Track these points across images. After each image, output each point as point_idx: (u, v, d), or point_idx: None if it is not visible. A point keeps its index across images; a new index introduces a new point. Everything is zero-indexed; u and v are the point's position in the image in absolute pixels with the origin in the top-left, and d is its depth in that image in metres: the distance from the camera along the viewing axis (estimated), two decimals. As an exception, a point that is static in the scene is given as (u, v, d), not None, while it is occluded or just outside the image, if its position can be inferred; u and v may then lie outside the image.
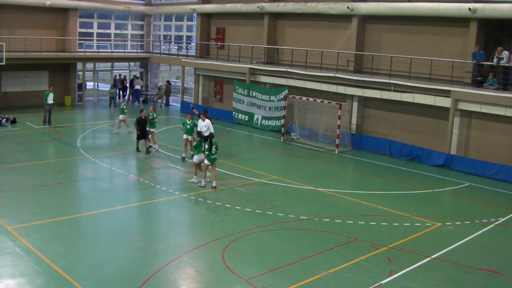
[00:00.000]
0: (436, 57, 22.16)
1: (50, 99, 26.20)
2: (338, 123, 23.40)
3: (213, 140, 16.99)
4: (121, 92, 36.46)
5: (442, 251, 12.70)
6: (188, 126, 20.11)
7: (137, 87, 35.87)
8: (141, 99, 36.39)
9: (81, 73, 34.42)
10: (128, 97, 36.39)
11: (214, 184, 17.23)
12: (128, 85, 36.75)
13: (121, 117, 25.19)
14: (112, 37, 36.91)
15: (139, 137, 21.44)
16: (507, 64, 20.00)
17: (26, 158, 19.75)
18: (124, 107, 25.37)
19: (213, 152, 16.87)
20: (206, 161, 17.06)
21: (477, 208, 16.64)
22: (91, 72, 37.04)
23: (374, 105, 24.73)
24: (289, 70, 27.09)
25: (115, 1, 35.98)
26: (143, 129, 21.23)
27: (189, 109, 32.10)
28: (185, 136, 20.45)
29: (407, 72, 22.57)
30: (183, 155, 20.59)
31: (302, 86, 26.51)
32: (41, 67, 32.44)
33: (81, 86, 35.36)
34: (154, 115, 21.85)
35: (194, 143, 18.13)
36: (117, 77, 36.59)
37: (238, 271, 11.06)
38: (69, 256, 11.59)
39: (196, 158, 17.41)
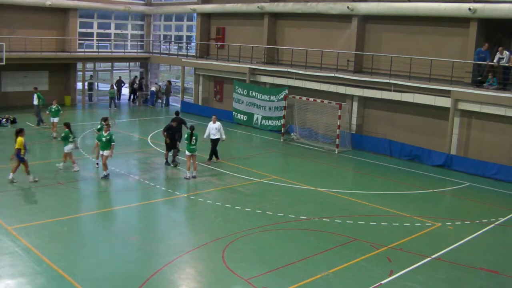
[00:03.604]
0: (436, 57, 22.17)
1: (35, 100, 25.65)
2: (338, 123, 23.40)
3: (194, 132, 17.85)
4: (131, 95, 36.36)
5: (442, 251, 12.70)
6: (104, 139, 17.39)
7: (153, 89, 35.44)
8: (141, 99, 36.35)
9: (81, 73, 34.44)
10: (135, 98, 36.22)
11: (194, 174, 18.01)
12: (136, 86, 36.58)
13: (56, 119, 23.21)
14: (112, 37, 36.93)
15: (169, 147, 19.54)
16: (507, 64, 20.01)
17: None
18: (58, 108, 23.47)
19: (192, 143, 17.68)
20: (187, 152, 17.82)
21: (477, 208, 16.64)
22: (91, 72, 37.06)
23: (374, 105, 24.73)
24: (289, 70, 27.09)
25: (115, 1, 35.99)
26: (172, 138, 19.42)
27: (189, 110, 32.24)
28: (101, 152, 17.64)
29: (407, 72, 22.57)
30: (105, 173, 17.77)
31: (302, 86, 26.52)
32: (41, 67, 32.46)
33: (90, 86, 35.78)
34: (99, 126, 19.14)
35: (63, 134, 17.97)
36: (133, 78, 36.60)
37: (238, 271, 11.06)
38: (69, 256, 11.58)
39: (66, 149, 17.95)
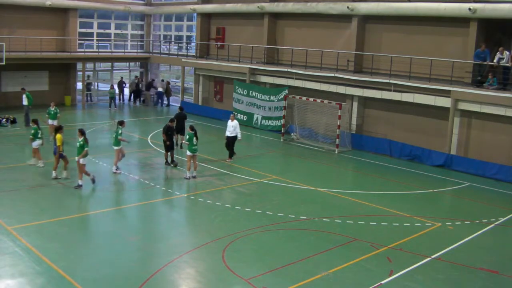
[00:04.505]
0: (436, 57, 22.17)
1: (24, 101, 25.53)
2: (338, 123, 23.40)
3: (196, 133, 18.03)
4: (131, 95, 36.33)
5: (442, 251, 12.70)
6: (77, 144, 16.52)
7: (160, 89, 35.23)
8: (141, 99, 36.33)
9: (81, 73, 34.43)
10: (138, 98, 36.17)
11: (194, 174, 18.03)
12: (141, 87, 36.61)
13: (54, 122, 22.15)
14: (112, 37, 36.93)
15: (168, 148, 19.48)
16: (507, 64, 20.02)
17: (26, 158, 19.71)
18: (57, 111, 22.67)
19: (194, 143, 17.74)
20: (188, 152, 17.80)
21: (477, 208, 16.64)
22: (89, 72, 37.05)
23: (374, 105, 24.73)
24: (289, 70, 27.10)
25: (115, 1, 35.99)
26: (171, 139, 19.48)
27: (189, 110, 32.20)
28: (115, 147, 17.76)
29: (407, 72, 22.58)
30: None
31: (302, 86, 26.52)
32: (41, 67, 32.45)
33: (87, 86, 35.66)
34: (120, 131, 18.21)
35: (32, 131, 18.23)
36: (135, 80, 36.51)
37: (238, 271, 11.06)
38: (69, 256, 11.58)
39: (34, 144, 18.35)
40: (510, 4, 19.74)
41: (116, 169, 18.32)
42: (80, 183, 16.33)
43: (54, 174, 17.10)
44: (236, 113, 29.57)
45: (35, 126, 18.46)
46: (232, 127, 20.73)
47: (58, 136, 16.87)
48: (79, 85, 34.95)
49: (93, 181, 16.63)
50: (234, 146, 21.01)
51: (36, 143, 18.34)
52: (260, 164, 20.91)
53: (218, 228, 13.64)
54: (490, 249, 13.36)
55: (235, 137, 20.82)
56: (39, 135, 18.36)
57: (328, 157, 22.74)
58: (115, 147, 18.20)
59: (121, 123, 18.45)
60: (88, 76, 36.37)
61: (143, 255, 11.98)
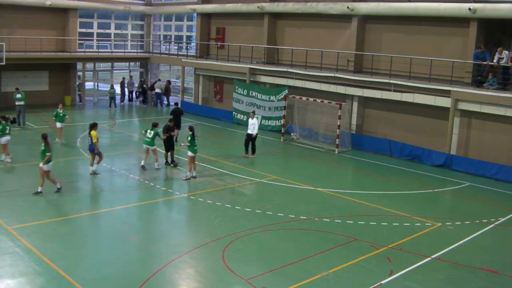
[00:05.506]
0: (436, 57, 22.17)
1: (18, 101, 25.64)
2: (338, 123, 23.40)
3: (195, 133, 18.09)
4: (133, 95, 36.31)
5: (442, 251, 12.70)
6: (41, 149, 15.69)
7: (158, 90, 35.00)
8: (140, 98, 36.31)
9: (81, 73, 34.39)
10: (145, 99, 36.16)
11: (194, 174, 18.18)
12: (145, 87, 36.63)
13: (63, 124, 22.36)
14: (112, 37, 36.92)
15: (168, 148, 19.53)
16: (507, 64, 20.01)
17: (25, 158, 19.74)
18: (64, 113, 22.60)
19: (195, 143, 17.93)
20: (190, 153, 17.85)
21: (477, 208, 16.64)
22: (91, 72, 37.01)
23: (374, 105, 24.73)
24: (289, 70, 27.10)
25: (115, 1, 35.99)
26: (170, 138, 19.51)
27: (189, 110, 32.18)
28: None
29: (407, 72, 22.58)
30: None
31: (302, 86, 26.52)
32: (41, 67, 32.46)
33: (78, 87, 35.42)
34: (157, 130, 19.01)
35: (0, 127, 18.57)
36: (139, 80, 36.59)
37: (238, 271, 11.06)
38: (69, 256, 11.59)
39: (3, 140, 18.72)
40: (510, 4, 19.74)
41: (157, 166, 18.99)
42: (39, 190, 15.49)
43: (91, 169, 17.88)
44: (236, 113, 29.67)
45: (3, 122, 19.03)
46: (252, 125, 21.58)
47: (93, 133, 17.55)
48: (79, 85, 34.96)
49: (59, 190, 15.78)
50: (254, 143, 21.77)
51: (5, 139, 18.82)
52: (260, 164, 20.92)
53: (218, 228, 13.64)
54: (490, 249, 13.36)
55: (253, 134, 21.69)
56: (7, 131, 18.85)
57: (328, 157, 22.74)
58: (152, 147, 18.88)
59: (155, 125, 19.18)
60: (79, 77, 35.80)
61: (143, 255, 11.99)
